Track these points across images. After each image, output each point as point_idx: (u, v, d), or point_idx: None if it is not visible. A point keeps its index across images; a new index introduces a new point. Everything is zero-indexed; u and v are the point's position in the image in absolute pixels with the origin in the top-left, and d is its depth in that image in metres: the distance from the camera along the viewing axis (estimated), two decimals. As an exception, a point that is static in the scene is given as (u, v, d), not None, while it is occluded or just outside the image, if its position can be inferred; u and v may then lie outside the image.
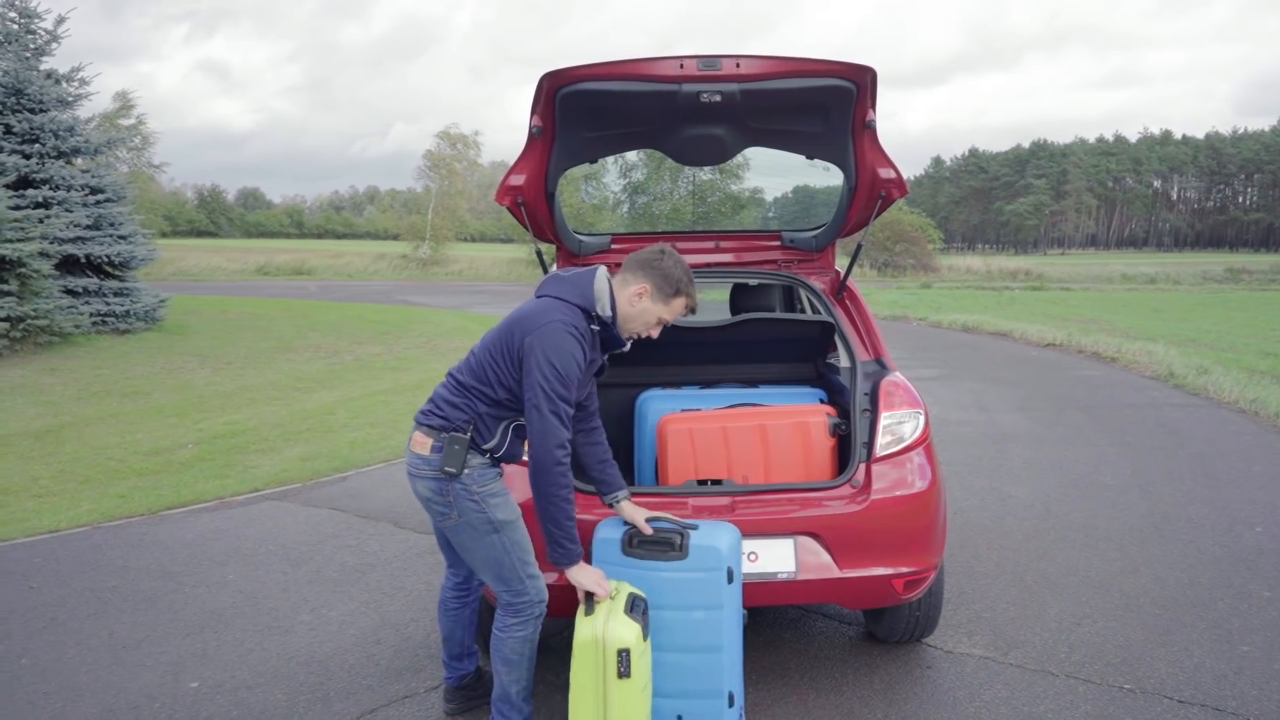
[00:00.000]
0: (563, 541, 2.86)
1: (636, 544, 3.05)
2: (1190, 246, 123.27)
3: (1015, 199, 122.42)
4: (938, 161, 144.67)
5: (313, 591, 4.64)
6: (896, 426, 3.52)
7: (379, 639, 4.07)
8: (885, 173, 3.68)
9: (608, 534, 3.13)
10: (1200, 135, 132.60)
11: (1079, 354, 14.41)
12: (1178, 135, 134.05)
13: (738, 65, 3.26)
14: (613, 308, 2.91)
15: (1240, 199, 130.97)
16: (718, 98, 3.30)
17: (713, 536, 3.03)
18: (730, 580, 3.01)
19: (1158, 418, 9.16)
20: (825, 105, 3.47)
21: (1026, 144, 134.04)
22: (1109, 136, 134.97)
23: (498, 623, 2.98)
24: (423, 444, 2.90)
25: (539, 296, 2.96)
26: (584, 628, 2.86)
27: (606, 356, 3.07)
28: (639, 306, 2.95)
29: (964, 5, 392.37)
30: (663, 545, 3.03)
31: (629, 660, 2.81)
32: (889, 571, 3.38)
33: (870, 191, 3.81)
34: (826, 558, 3.34)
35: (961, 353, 14.57)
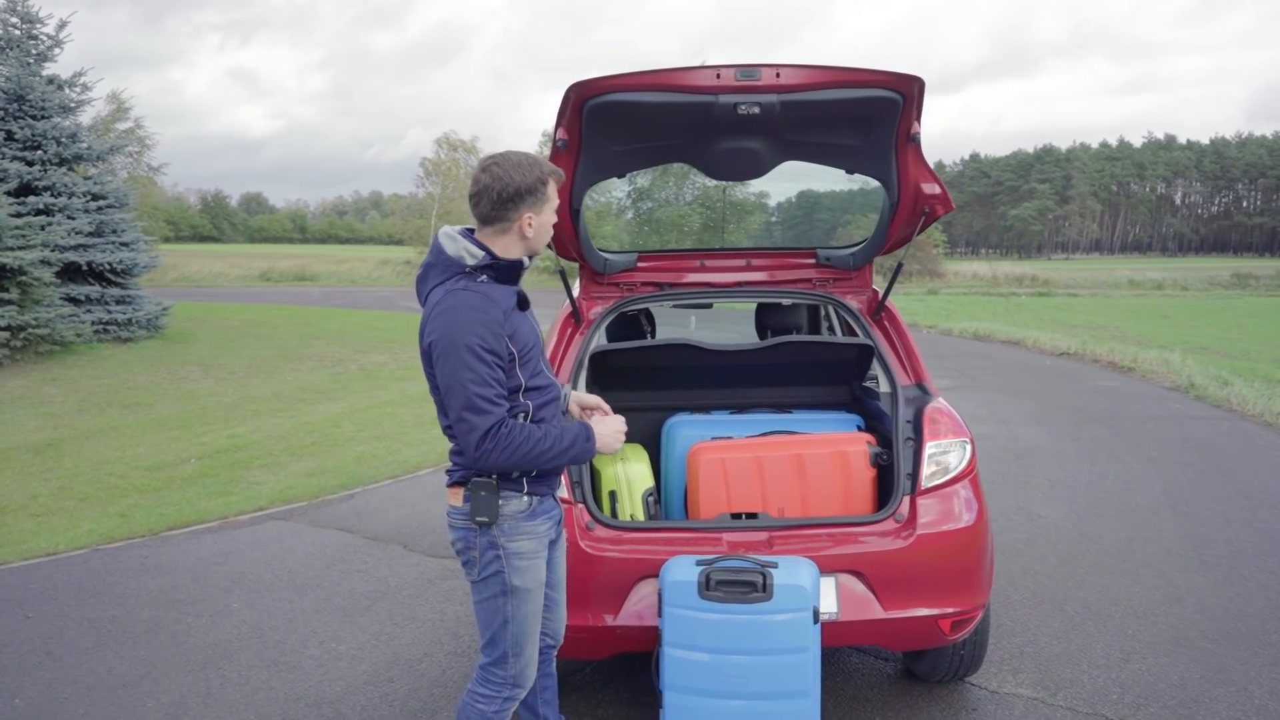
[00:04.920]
0: (567, 451, 2.56)
1: (715, 586, 2.86)
2: (1194, 251, 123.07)
3: (1019, 204, 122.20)
4: (939, 166, 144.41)
5: (320, 622, 4.44)
6: (942, 456, 3.32)
7: (391, 676, 3.87)
8: (929, 188, 3.49)
9: (680, 576, 2.92)
10: (1205, 140, 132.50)
11: (1094, 363, 14.20)
12: (1182, 140, 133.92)
13: (778, 75, 3.07)
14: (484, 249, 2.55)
15: (1244, 204, 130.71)
16: (756, 110, 3.10)
17: (796, 575, 2.86)
18: (816, 620, 2.84)
19: (1182, 431, 8.95)
20: (868, 117, 3.27)
21: (1031, 149, 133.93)
22: (1119, 142, 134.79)
23: (468, 686, 2.73)
24: (455, 495, 2.64)
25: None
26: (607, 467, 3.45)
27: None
28: (535, 232, 2.59)
29: (991, 13, 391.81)
30: (744, 586, 2.84)
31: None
32: (935, 612, 3.18)
33: (913, 207, 3.61)
34: (870, 597, 3.14)
35: (975, 362, 14.37)
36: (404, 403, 10.66)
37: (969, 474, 3.34)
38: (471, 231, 2.60)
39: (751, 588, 2.83)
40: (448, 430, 2.58)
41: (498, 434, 2.43)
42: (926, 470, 3.28)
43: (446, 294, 2.50)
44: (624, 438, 2.71)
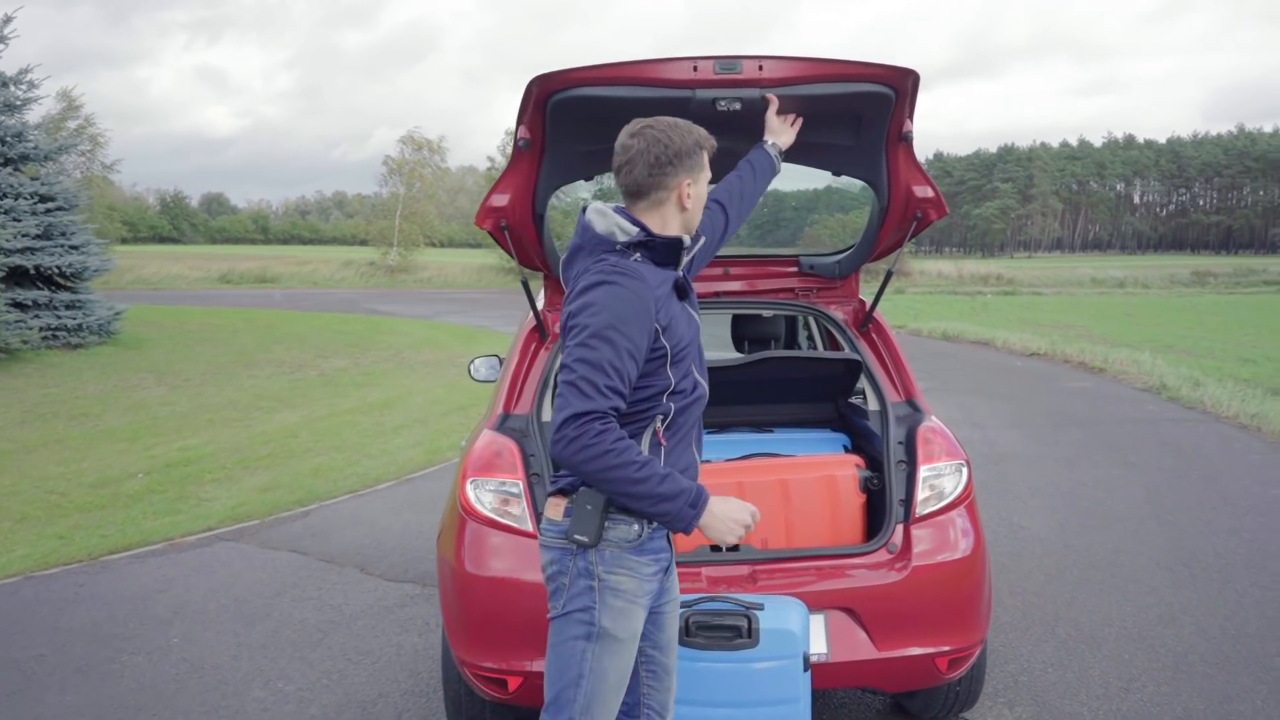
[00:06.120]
0: (658, 500, 2.07)
1: (696, 631, 2.59)
2: (1153, 249, 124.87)
3: (982, 203, 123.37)
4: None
5: (267, 658, 4.12)
6: (937, 480, 3.09)
7: (342, 721, 3.58)
8: (922, 191, 3.25)
9: None
10: (1163, 140, 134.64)
11: (1065, 364, 14.13)
12: (1140, 140, 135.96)
13: (760, 68, 2.81)
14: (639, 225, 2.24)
15: (1201, 202, 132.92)
16: (737, 105, 2.84)
17: (784, 617, 2.61)
18: (806, 667, 2.59)
19: (1159, 434, 8.83)
20: (859, 114, 3.02)
21: (994, 149, 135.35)
22: (1079, 141, 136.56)
23: None
24: (555, 506, 2.25)
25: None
26: None
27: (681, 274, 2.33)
28: (694, 204, 2.31)
29: (957, 16, 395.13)
30: (727, 631, 2.58)
31: None
32: (931, 650, 2.95)
33: (904, 212, 3.37)
34: (862, 636, 2.90)
35: (946, 363, 14.25)
36: (365, 410, 10.32)
37: (965, 499, 3.11)
38: (622, 210, 2.29)
39: (735, 633, 2.58)
40: None
41: (586, 425, 2.01)
42: (921, 495, 3.05)
43: (594, 272, 2.16)
44: (743, 533, 2.18)
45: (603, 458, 2.01)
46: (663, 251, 2.23)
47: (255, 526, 6.15)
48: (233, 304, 26.59)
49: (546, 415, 3.34)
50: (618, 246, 2.20)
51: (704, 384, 2.33)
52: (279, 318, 21.98)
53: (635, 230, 2.20)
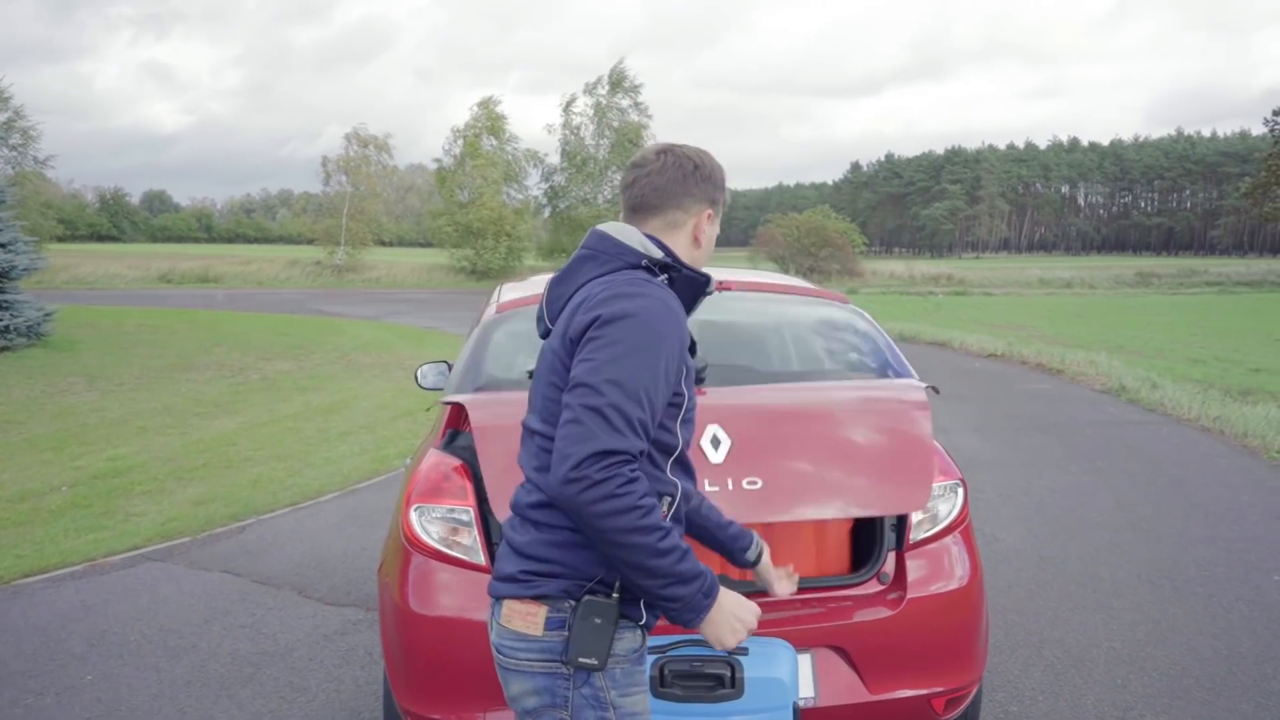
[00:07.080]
0: (671, 581, 1.67)
1: (672, 680, 2.29)
2: (1097, 250, 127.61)
3: (931, 204, 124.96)
4: (855, 167, 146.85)
5: (191, 697, 3.74)
6: (931, 503, 2.82)
7: (273, 772, 3.22)
8: None
9: None
10: (1106, 143, 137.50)
11: (1023, 365, 14.08)
12: (1084, 142, 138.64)
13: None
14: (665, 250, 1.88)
15: (1142, 204, 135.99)
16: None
17: (771, 664, 2.33)
18: (795, 718, 2.31)
19: (1122, 438, 8.72)
20: None
21: (941, 150, 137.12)
22: (1025, 144, 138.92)
23: None
24: (527, 615, 1.74)
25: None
26: None
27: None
28: (707, 243, 1.95)
29: (911, 20, 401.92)
30: (708, 680, 2.28)
31: None
32: (926, 691, 2.68)
33: None
34: (853, 677, 2.62)
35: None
36: (309, 416, 9.87)
37: (962, 523, 2.86)
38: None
39: (717, 682, 2.28)
40: (536, 474, 1.78)
41: (615, 469, 1.59)
42: (914, 519, 2.78)
43: (628, 282, 1.75)
44: (744, 637, 1.79)
45: (628, 514, 1.59)
46: (687, 287, 1.85)
47: (186, 544, 5.73)
48: (173, 304, 25.81)
49: None
50: (643, 262, 1.81)
51: (694, 486, 1.93)
52: (221, 318, 21.32)
53: (659, 253, 1.83)
